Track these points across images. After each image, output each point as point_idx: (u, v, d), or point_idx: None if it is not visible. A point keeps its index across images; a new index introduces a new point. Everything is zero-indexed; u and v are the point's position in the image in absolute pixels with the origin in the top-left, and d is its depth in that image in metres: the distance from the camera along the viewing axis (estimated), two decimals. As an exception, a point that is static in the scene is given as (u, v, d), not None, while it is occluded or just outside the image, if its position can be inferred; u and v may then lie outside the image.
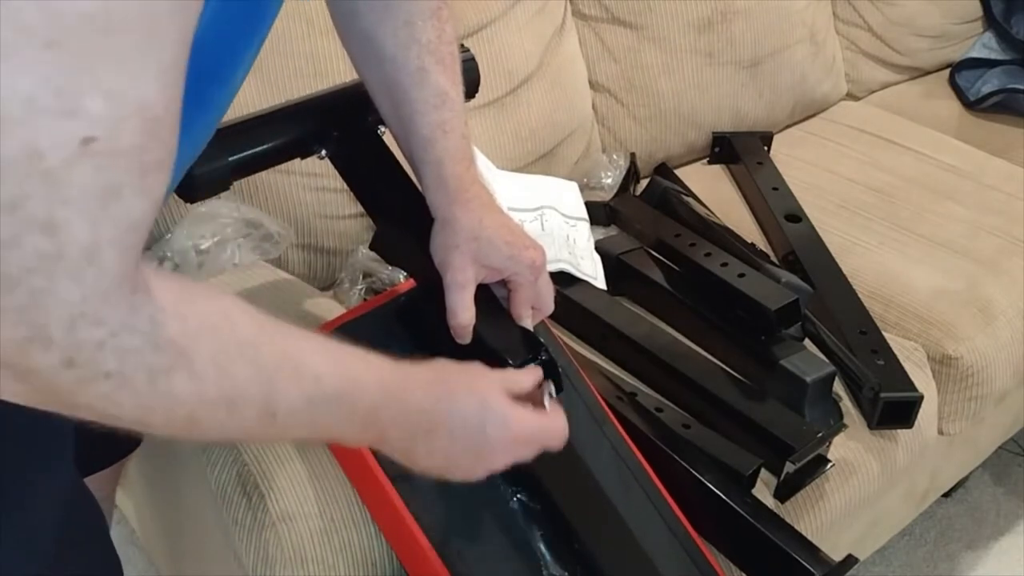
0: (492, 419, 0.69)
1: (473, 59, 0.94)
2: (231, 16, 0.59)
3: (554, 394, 0.78)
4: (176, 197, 0.87)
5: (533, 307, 0.85)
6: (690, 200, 1.47)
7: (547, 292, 0.85)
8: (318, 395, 0.58)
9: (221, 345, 0.52)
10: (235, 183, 0.90)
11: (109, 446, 1.09)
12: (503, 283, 0.84)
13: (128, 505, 1.40)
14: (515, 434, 0.70)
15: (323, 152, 0.92)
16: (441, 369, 0.70)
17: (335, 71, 1.22)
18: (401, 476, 0.84)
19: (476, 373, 0.72)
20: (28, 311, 0.42)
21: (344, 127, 0.92)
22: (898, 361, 1.23)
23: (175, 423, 0.52)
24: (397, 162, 0.91)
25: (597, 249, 1.32)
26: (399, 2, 0.80)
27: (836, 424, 1.14)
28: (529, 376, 0.77)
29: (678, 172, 1.63)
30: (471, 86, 0.93)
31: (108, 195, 0.42)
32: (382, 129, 0.92)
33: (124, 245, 0.44)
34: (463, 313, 0.80)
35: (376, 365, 0.64)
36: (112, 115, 0.41)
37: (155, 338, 0.47)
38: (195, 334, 0.50)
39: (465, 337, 0.81)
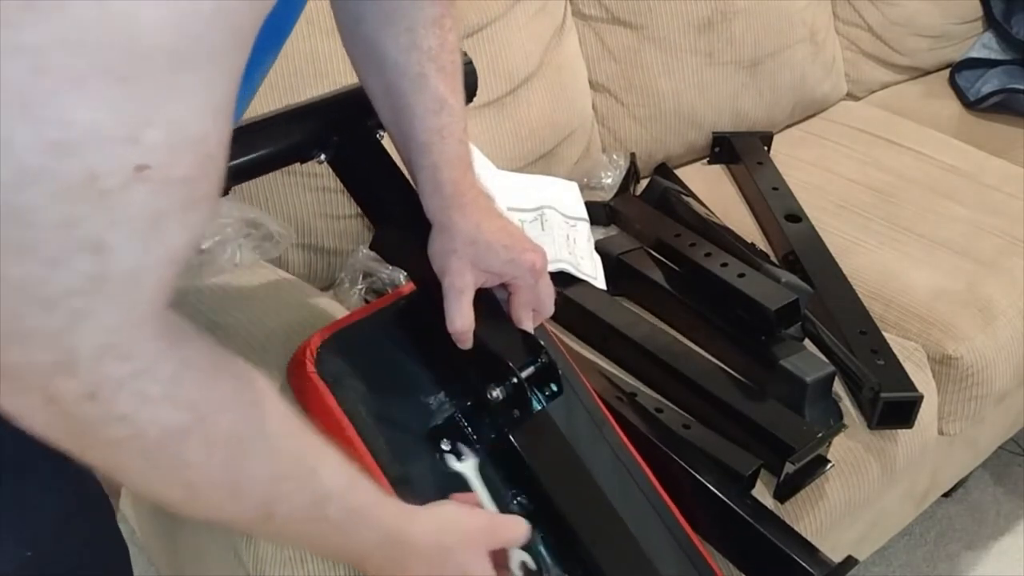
0: None
1: (471, 63, 0.94)
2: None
3: (532, 566, 0.82)
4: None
5: (533, 310, 0.85)
6: (690, 200, 1.47)
7: (547, 295, 0.85)
8: (319, 514, 0.59)
9: (242, 427, 0.52)
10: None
11: None
12: (503, 286, 0.85)
13: (128, 505, 1.40)
14: None
15: (322, 157, 0.92)
16: (442, 528, 0.72)
17: (335, 71, 1.22)
18: (401, 479, 0.84)
19: (476, 537, 0.74)
20: (62, 335, 0.42)
21: (344, 132, 0.92)
22: (898, 361, 1.23)
23: (174, 488, 0.52)
24: (397, 167, 0.91)
25: (597, 249, 1.32)
26: (402, 9, 0.80)
27: (836, 424, 1.14)
28: (516, 529, 0.78)
29: (678, 172, 1.63)
30: (468, 91, 0.93)
31: (156, 222, 0.42)
32: (381, 134, 0.92)
33: (161, 276, 0.45)
34: (461, 319, 0.80)
35: (384, 508, 0.65)
36: (169, 145, 0.41)
37: (175, 394, 0.47)
38: (218, 406, 0.50)
39: (465, 342, 0.81)
